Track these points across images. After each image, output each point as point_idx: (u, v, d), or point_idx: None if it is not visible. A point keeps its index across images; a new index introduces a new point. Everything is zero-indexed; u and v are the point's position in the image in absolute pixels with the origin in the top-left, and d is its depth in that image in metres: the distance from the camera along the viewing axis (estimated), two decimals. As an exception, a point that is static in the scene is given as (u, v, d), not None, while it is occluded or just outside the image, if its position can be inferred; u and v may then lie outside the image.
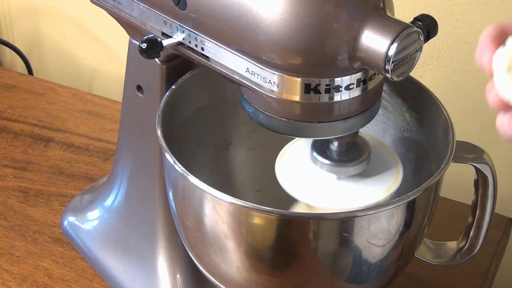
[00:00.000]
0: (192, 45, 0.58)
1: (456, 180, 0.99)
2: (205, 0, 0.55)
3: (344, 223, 0.54)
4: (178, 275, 0.74)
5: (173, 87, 0.64)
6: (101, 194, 0.82)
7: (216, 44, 0.56)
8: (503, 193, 0.98)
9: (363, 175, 0.61)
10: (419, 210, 0.58)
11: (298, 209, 0.64)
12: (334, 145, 0.60)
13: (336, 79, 0.52)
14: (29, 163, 0.96)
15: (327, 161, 0.60)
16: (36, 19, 1.28)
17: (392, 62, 0.50)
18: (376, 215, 0.54)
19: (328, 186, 0.61)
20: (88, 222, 0.82)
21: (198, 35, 0.57)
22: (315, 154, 0.61)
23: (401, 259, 0.60)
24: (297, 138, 0.65)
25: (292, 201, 0.63)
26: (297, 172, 0.62)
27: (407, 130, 0.68)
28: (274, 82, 0.53)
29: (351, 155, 0.60)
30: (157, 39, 0.58)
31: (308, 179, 0.61)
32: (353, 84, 0.53)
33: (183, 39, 0.59)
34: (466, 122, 0.97)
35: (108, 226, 0.80)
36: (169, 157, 0.57)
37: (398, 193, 0.68)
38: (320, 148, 0.61)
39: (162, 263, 0.74)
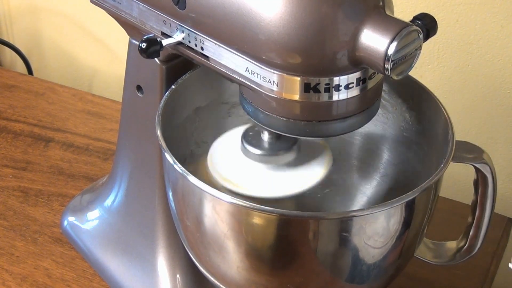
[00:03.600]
0: (192, 45, 0.58)
1: (456, 180, 0.99)
2: (204, 0, 0.55)
3: (343, 223, 0.54)
4: (178, 275, 0.74)
5: (173, 87, 0.64)
6: (101, 194, 0.82)
7: (215, 43, 0.56)
8: (503, 193, 0.98)
9: (293, 164, 0.62)
10: (418, 210, 0.58)
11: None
12: (265, 135, 0.61)
13: (335, 78, 0.52)
14: (29, 163, 0.96)
15: (257, 151, 0.61)
16: (36, 19, 1.28)
17: (392, 61, 0.50)
18: (375, 214, 0.54)
19: (259, 175, 0.62)
20: (88, 222, 0.82)
21: (198, 34, 0.57)
22: (245, 144, 0.62)
23: (401, 259, 0.60)
24: (226, 132, 0.67)
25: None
26: (228, 163, 0.63)
27: (407, 130, 0.68)
28: (273, 81, 0.53)
29: (281, 145, 0.62)
30: (156, 39, 0.58)
31: (239, 169, 0.62)
32: (353, 83, 0.53)
33: (183, 38, 0.59)
34: (466, 122, 0.97)
35: (108, 226, 0.80)
36: (169, 157, 0.57)
37: (398, 194, 0.68)
38: (250, 138, 0.62)
39: (162, 263, 0.74)
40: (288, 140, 0.62)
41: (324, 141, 0.66)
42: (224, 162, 0.64)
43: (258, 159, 0.62)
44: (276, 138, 0.61)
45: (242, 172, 0.62)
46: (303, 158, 0.63)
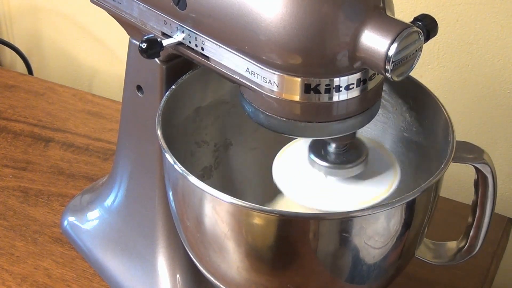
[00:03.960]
0: (192, 45, 0.58)
1: (456, 180, 0.99)
2: (205, 0, 0.55)
3: (344, 223, 0.54)
4: (178, 275, 0.74)
5: (173, 87, 0.64)
6: (101, 194, 0.82)
7: (216, 44, 0.56)
8: (503, 193, 0.98)
9: (361, 177, 0.61)
10: (419, 210, 0.58)
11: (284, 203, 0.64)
12: (332, 147, 0.60)
13: (336, 79, 0.52)
14: (29, 163, 0.96)
15: (324, 163, 0.60)
16: (36, 19, 1.28)
17: (392, 62, 0.50)
18: (376, 215, 0.54)
19: (326, 188, 0.61)
20: (88, 222, 0.82)
21: (198, 35, 0.57)
22: (312, 156, 0.61)
23: (401, 259, 0.60)
24: (295, 140, 0.65)
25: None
26: (294, 174, 0.62)
27: (407, 130, 0.68)
28: (274, 82, 0.53)
29: (348, 157, 0.60)
30: (157, 39, 0.58)
31: (305, 181, 0.61)
32: (353, 84, 0.53)
33: (183, 39, 0.59)
34: (466, 122, 0.97)
35: (108, 226, 0.80)
36: (169, 157, 0.57)
37: (398, 194, 0.68)
38: (318, 150, 0.61)
39: (162, 263, 0.74)
40: (356, 153, 0.60)
41: (392, 155, 0.64)
42: (289, 173, 0.62)
43: (325, 171, 0.60)
44: (343, 150, 0.60)
45: (309, 185, 0.61)
46: (370, 173, 0.62)
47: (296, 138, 0.65)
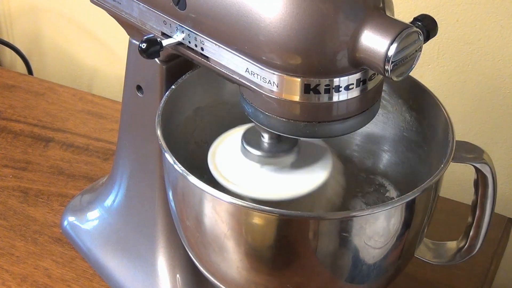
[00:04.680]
0: (192, 45, 0.58)
1: (456, 180, 0.99)
2: (204, 0, 0.55)
3: (343, 223, 0.54)
4: (178, 275, 0.74)
5: (173, 87, 0.64)
6: (101, 194, 0.82)
7: (215, 44, 0.56)
8: (503, 193, 0.98)
9: (294, 166, 0.62)
10: (419, 210, 0.58)
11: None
12: (264, 137, 0.61)
13: (335, 79, 0.52)
14: (29, 163, 0.96)
15: (257, 153, 0.61)
16: (36, 19, 1.28)
17: (392, 62, 0.50)
18: (375, 215, 0.54)
19: (260, 177, 0.62)
20: (88, 222, 0.82)
21: (198, 35, 0.57)
22: (245, 146, 0.62)
23: (401, 259, 0.60)
24: (229, 131, 0.66)
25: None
26: (229, 164, 0.63)
27: (407, 130, 0.68)
28: (273, 82, 0.53)
29: (281, 147, 0.61)
30: (156, 39, 0.58)
31: (239, 170, 0.62)
32: (353, 84, 0.53)
33: (183, 39, 0.59)
34: (466, 122, 0.97)
35: (108, 226, 0.80)
36: (169, 157, 0.57)
37: (399, 194, 0.68)
38: (251, 140, 0.62)
39: (162, 263, 0.74)
40: (288, 142, 0.62)
41: (325, 144, 0.66)
42: (225, 163, 0.64)
43: (258, 160, 0.62)
44: (277, 139, 0.61)
45: (243, 173, 0.62)
46: (304, 161, 0.63)
47: (229, 130, 0.67)
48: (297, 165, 0.63)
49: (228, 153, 0.65)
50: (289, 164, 0.62)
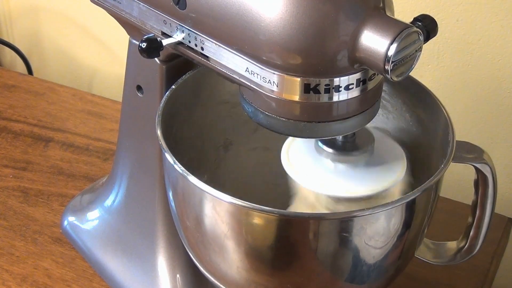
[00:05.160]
0: (192, 45, 0.58)
1: (456, 180, 0.99)
2: (205, 0, 0.55)
3: (344, 223, 0.54)
4: (178, 275, 0.74)
5: (173, 87, 0.64)
6: (101, 194, 0.82)
7: (216, 43, 0.56)
8: (503, 193, 0.98)
9: (368, 164, 0.61)
10: (419, 210, 0.58)
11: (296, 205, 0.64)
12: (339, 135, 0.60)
13: (335, 79, 0.52)
14: (29, 163, 0.96)
15: (331, 150, 0.60)
16: (36, 19, 1.28)
17: (392, 62, 0.50)
18: (376, 215, 0.54)
19: (333, 174, 0.61)
20: (88, 222, 0.82)
21: (198, 34, 0.57)
22: (319, 143, 0.61)
23: (401, 259, 0.60)
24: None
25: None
26: (302, 161, 0.62)
27: (407, 130, 0.68)
28: (273, 82, 0.53)
29: (355, 145, 0.61)
30: (156, 39, 0.58)
31: (313, 167, 0.61)
32: (353, 84, 0.53)
33: (183, 38, 0.59)
34: (466, 122, 0.97)
35: (108, 226, 0.80)
36: (169, 157, 0.57)
37: (398, 194, 0.68)
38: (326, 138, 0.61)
39: (162, 263, 0.74)
40: (364, 140, 0.61)
41: (400, 147, 0.65)
42: (299, 160, 0.63)
43: (332, 158, 0.61)
44: (351, 137, 0.61)
45: (317, 171, 0.61)
46: (378, 159, 0.62)
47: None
48: (372, 163, 0.62)
49: (301, 151, 0.63)
50: (363, 162, 0.61)
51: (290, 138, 0.65)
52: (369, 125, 0.63)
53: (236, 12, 0.53)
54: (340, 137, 0.60)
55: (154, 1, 0.60)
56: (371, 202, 0.60)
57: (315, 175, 0.61)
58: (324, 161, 0.61)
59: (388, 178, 0.61)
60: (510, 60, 0.90)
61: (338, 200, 0.61)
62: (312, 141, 0.62)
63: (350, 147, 0.61)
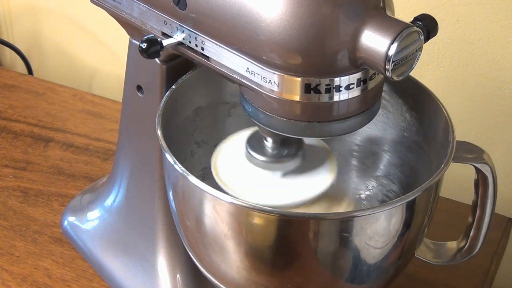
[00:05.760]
0: (192, 45, 0.58)
1: (456, 180, 0.99)
2: (205, 0, 0.55)
3: (344, 223, 0.54)
4: (178, 275, 0.74)
5: (173, 87, 0.64)
6: (101, 194, 0.82)
7: (216, 44, 0.56)
8: (503, 193, 0.98)
9: (299, 171, 0.62)
10: (419, 210, 0.58)
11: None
12: (268, 142, 0.61)
13: (336, 79, 0.52)
14: (29, 163, 0.96)
15: (261, 158, 0.61)
16: (36, 19, 1.28)
17: (392, 62, 0.50)
18: (376, 215, 0.54)
19: (264, 182, 0.62)
20: (88, 222, 0.82)
21: (198, 35, 0.57)
22: (249, 150, 0.62)
23: (401, 259, 0.60)
24: (232, 135, 0.66)
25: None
26: (233, 170, 0.63)
27: (407, 130, 0.68)
28: (274, 82, 0.53)
29: (285, 151, 0.61)
30: (157, 39, 0.58)
31: (244, 176, 0.62)
32: (353, 84, 0.53)
33: (183, 39, 0.59)
34: (466, 122, 0.97)
35: (108, 226, 0.80)
36: (169, 157, 0.57)
37: (399, 194, 0.68)
38: (255, 144, 0.62)
39: (162, 263, 0.74)
40: (292, 147, 0.62)
41: (328, 148, 0.65)
42: (228, 168, 0.63)
43: (263, 165, 0.62)
44: (280, 144, 0.61)
45: (246, 179, 0.62)
46: (308, 165, 0.63)
47: (234, 133, 0.66)
48: (302, 169, 0.62)
49: (231, 159, 0.64)
50: (294, 169, 0.62)
51: (219, 146, 0.65)
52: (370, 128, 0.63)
53: (236, 12, 0.53)
54: (270, 143, 0.61)
55: (154, 2, 0.60)
56: (307, 207, 0.61)
57: (245, 184, 0.61)
58: (253, 168, 0.62)
59: (319, 184, 0.61)
60: (510, 60, 0.90)
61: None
62: (242, 148, 0.62)
63: (280, 153, 0.61)
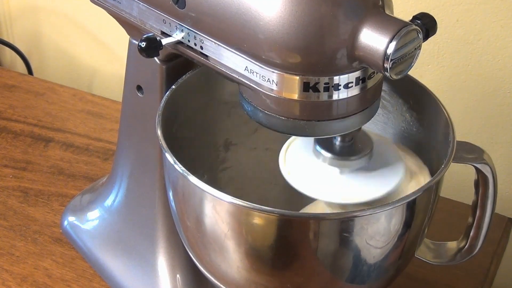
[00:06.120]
0: (191, 44, 0.58)
1: (456, 180, 0.99)
2: (204, -1, 0.55)
3: (344, 223, 0.54)
4: (178, 275, 0.74)
5: (173, 87, 0.64)
6: (101, 194, 0.82)
7: (215, 42, 0.56)
8: (503, 193, 0.98)
9: (366, 169, 0.61)
10: (419, 210, 0.58)
11: (315, 208, 0.64)
12: (337, 139, 0.60)
13: (335, 78, 0.52)
14: (29, 163, 0.96)
15: (329, 155, 0.60)
16: (36, 19, 1.28)
17: (391, 60, 0.50)
18: (376, 215, 0.54)
19: (331, 179, 0.61)
20: (88, 222, 0.82)
21: (197, 34, 0.57)
22: (318, 147, 0.61)
23: (401, 259, 0.60)
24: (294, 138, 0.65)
25: (294, 198, 0.63)
26: (300, 166, 0.62)
27: (407, 130, 0.68)
28: (273, 80, 0.53)
29: (353, 149, 0.60)
30: (156, 38, 0.58)
31: (311, 172, 0.61)
32: (352, 82, 0.53)
33: (182, 38, 0.59)
34: (466, 122, 0.97)
35: (108, 226, 0.80)
36: (169, 157, 0.57)
37: (399, 194, 0.68)
38: (323, 142, 0.61)
39: (162, 263, 0.74)
40: (363, 145, 0.61)
41: (400, 151, 0.64)
42: (297, 165, 0.62)
43: (330, 162, 0.61)
44: (350, 142, 0.60)
45: (315, 176, 0.61)
46: (376, 165, 0.62)
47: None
48: (370, 168, 0.61)
49: (299, 154, 0.63)
50: (361, 167, 0.61)
51: (289, 141, 0.64)
52: (370, 130, 0.63)
53: (235, 11, 0.53)
54: (338, 141, 0.60)
55: (153, 1, 0.60)
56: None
57: (311, 179, 0.61)
58: (321, 165, 0.61)
59: (386, 185, 0.61)
60: (510, 60, 0.90)
61: (334, 206, 0.61)
62: (310, 144, 0.62)
63: (348, 151, 0.60)
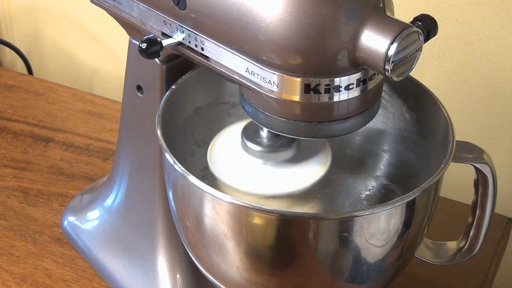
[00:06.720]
0: (192, 45, 0.58)
1: (456, 180, 0.99)
2: (205, 0, 0.55)
3: (344, 223, 0.54)
4: (178, 275, 0.74)
5: (173, 87, 0.64)
6: (101, 194, 0.82)
7: (215, 44, 0.56)
8: (503, 193, 0.98)
9: (291, 161, 0.62)
10: (419, 210, 0.58)
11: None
12: (264, 132, 0.61)
13: (335, 79, 0.52)
14: (29, 163, 0.96)
15: (257, 148, 0.61)
16: (36, 19, 1.28)
17: (392, 62, 0.50)
18: (376, 215, 0.54)
19: (260, 172, 0.62)
20: (88, 222, 0.82)
21: (198, 35, 0.57)
22: (245, 141, 0.62)
23: (401, 259, 0.60)
24: (227, 127, 0.67)
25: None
26: (229, 160, 0.63)
27: (407, 130, 0.68)
28: (273, 82, 0.53)
29: (280, 141, 0.61)
30: (156, 39, 0.58)
31: (238, 165, 0.63)
32: (353, 84, 0.53)
33: (183, 39, 0.59)
34: (466, 122, 0.97)
35: (108, 226, 0.80)
36: (169, 157, 0.57)
37: (399, 194, 0.68)
38: (250, 135, 0.62)
39: (162, 263, 0.74)
40: (287, 137, 0.62)
41: (323, 140, 0.66)
42: (223, 158, 0.64)
43: (258, 155, 0.62)
44: (275, 135, 0.61)
45: (241, 168, 0.62)
46: (302, 156, 0.63)
47: (231, 125, 0.67)
48: (297, 159, 0.63)
49: (227, 148, 0.65)
50: (288, 159, 0.62)
51: (215, 138, 0.66)
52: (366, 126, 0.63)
53: (236, 13, 0.53)
54: (265, 134, 0.61)
55: (154, 2, 0.60)
56: (298, 198, 0.61)
57: (241, 174, 0.62)
58: (246, 156, 0.62)
59: (311, 175, 0.62)
60: (510, 60, 0.90)
61: (265, 198, 0.61)
62: (238, 139, 0.63)
63: (275, 144, 0.61)
